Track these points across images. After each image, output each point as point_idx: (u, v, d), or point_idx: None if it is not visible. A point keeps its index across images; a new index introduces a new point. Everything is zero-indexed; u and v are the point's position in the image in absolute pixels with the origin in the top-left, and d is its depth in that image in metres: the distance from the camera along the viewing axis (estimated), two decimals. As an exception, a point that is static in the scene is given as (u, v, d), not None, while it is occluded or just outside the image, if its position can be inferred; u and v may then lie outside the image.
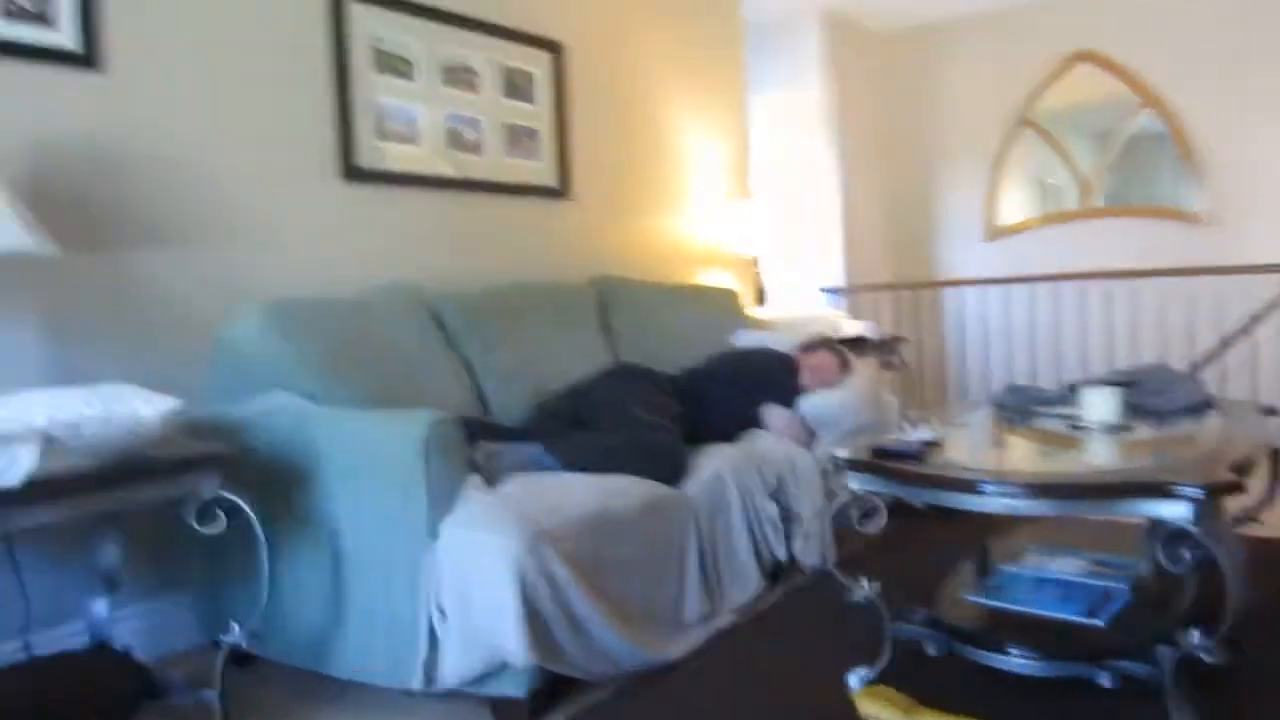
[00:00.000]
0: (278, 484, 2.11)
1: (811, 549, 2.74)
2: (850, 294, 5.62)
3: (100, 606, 2.04)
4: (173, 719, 1.97)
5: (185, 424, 2.15)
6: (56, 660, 2.01)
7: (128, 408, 1.67)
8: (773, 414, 2.96)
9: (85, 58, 2.30)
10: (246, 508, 1.83)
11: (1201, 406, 2.46)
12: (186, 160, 2.53)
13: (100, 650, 2.01)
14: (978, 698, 1.90)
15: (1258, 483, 2.29)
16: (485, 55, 3.32)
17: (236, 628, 1.88)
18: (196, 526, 1.81)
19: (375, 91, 2.97)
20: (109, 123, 2.37)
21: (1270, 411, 2.47)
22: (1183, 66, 5.19)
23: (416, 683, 1.92)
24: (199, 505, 1.81)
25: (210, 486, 1.82)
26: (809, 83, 5.60)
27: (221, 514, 1.83)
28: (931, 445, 2.04)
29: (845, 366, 3.17)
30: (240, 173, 2.65)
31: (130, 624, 2.34)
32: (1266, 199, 5.02)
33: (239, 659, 2.17)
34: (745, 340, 3.55)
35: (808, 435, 2.99)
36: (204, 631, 2.37)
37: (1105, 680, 1.79)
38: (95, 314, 2.35)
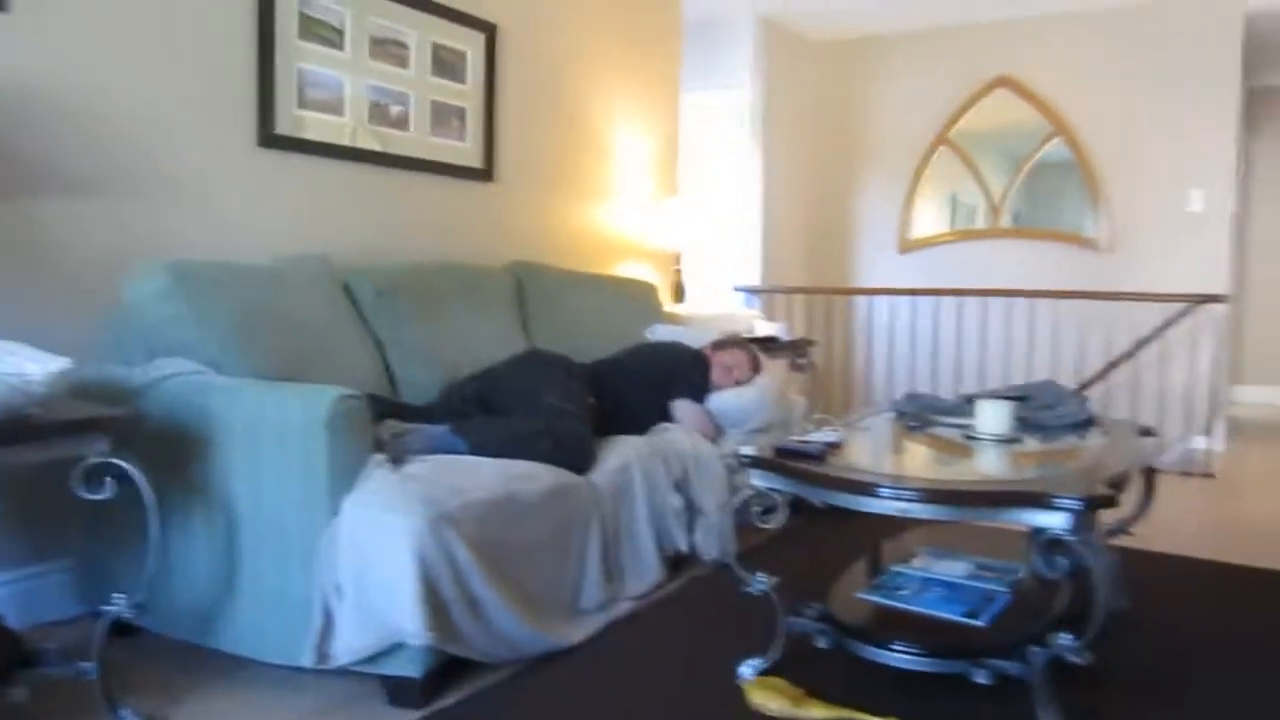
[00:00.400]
0: (172, 452, 2.04)
1: (712, 541, 2.79)
2: (764, 295, 5.72)
3: (-29, 571, 1.94)
4: (48, 691, 1.90)
5: (75, 385, 2.06)
6: (-81, 625, 1.91)
7: (12, 364, 1.60)
8: (682, 408, 3.00)
9: (-13, -6, 2.18)
10: (137, 475, 1.77)
11: (1086, 424, 2.60)
12: (94, 110, 2.42)
13: (-32, 617, 1.92)
14: (864, 691, 1.97)
15: (1132, 497, 2.43)
16: (417, 30, 3.26)
17: (121, 598, 1.82)
18: (82, 492, 1.74)
19: (300, 57, 2.89)
20: (11, 64, 2.25)
21: (1147, 432, 2.62)
22: (1092, 98, 5.44)
23: (308, 660, 1.89)
24: (86, 470, 1.74)
25: (99, 451, 1.75)
26: (738, 84, 5.67)
27: (110, 480, 1.76)
28: (833, 447, 2.11)
29: (756, 366, 3.23)
30: (152, 128, 2.54)
31: (2, 590, 2.24)
32: (1159, 232, 5.31)
33: (120, 630, 2.09)
34: (660, 334, 3.59)
35: (715, 430, 3.05)
36: (84, 601, 2.28)
37: (981, 677, 1.88)
38: (-17, 264, 2.23)
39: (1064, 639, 1.77)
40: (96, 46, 2.41)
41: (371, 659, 1.90)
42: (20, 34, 2.26)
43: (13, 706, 1.78)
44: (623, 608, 2.43)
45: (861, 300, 5.91)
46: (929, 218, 6.05)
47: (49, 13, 2.31)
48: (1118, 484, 1.90)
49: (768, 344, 4.02)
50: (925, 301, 5.48)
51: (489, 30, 3.53)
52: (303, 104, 2.90)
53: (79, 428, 1.70)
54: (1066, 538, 1.72)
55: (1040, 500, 1.74)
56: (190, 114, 2.63)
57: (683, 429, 2.92)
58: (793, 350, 4.39)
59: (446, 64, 3.39)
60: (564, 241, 4.02)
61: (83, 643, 2.04)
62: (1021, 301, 5.15)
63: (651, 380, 3.02)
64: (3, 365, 1.58)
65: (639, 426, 2.88)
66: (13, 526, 2.28)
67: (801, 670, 2.03)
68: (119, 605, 1.81)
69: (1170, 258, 5.26)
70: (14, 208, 2.28)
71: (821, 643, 2.05)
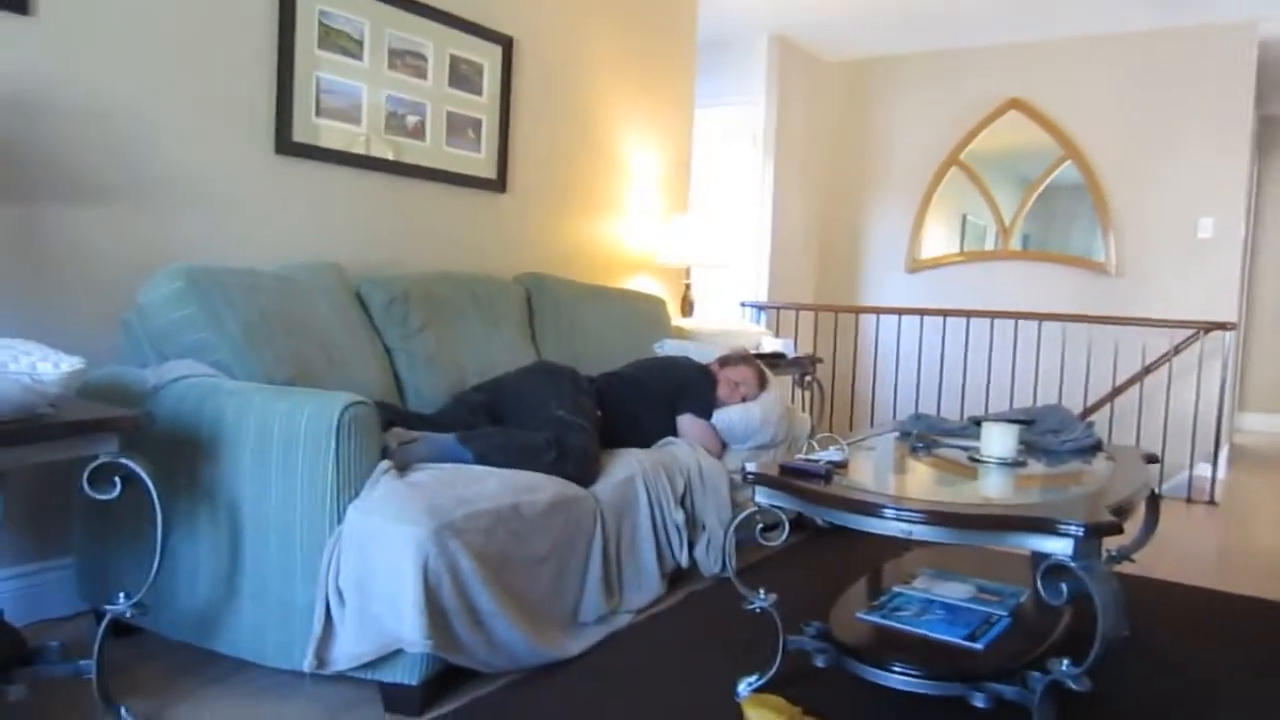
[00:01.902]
0: (180, 454, 2.05)
1: (713, 557, 2.79)
2: (771, 311, 5.73)
3: (-25, 566, 1.95)
4: (47, 688, 1.91)
5: (86, 385, 2.08)
6: (-78, 618, 1.92)
7: (26, 363, 1.61)
8: (688, 423, 3.01)
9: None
10: (145, 476, 1.78)
11: (1091, 449, 2.60)
12: (114, 115, 2.44)
13: (-29, 611, 1.93)
14: (861, 711, 1.97)
15: (1135, 524, 2.43)
16: (436, 42, 3.29)
17: (123, 598, 1.83)
18: (90, 492, 1.75)
19: (318, 66, 2.91)
20: (35, 69, 2.28)
21: (1152, 459, 2.62)
22: (1103, 123, 5.45)
23: (307, 665, 1.89)
24: (94, 470, 1.75)
25: (108, 451, 1.76)
26: (751, 101, 5.70)
27: (117, 480, 1.77)
28: (838, 466, 2.11)
29: (762, 382, 3.24)
30: (170, 133, 2.57)
31: (1, 586, 2.25)
32: (1168, 258, 5.32)
33: (120, 630, 2.11)
34: (667, 349, 3.60)
35: (720, 446, 3.05)
36: (85, 599, 2.30)
37: (979, 701, 1.87)
38: (3, 266, 2.25)
39: (1064, 665, 1.77)
40: (118, 52, 2.44)
41: (370, 665, 1.91)
42: (43, 38, 2.29)
43: (11, 703, 1.79)
44: (622, 621, 2.43)
45: (869, 319, 5.92)
46: (938, 238, 6.06)
47: (71, 18, 2.34)
48: (1122, 511, 1.89)
49: (774, 360, 4.03)
50: (932, 321, 5.48)
51: (506, 43, 3.56)
52: (320, 112, 2.93)
53: (90, 428, 1.71)
54: (1069, 564, 1.72)
55: (1044, 525, 1.74)
56: (209, 120, 2.66)
57: (687, 443, 2.93)
58: (799, 367, 4.39)
59: (463, 76, 3.41)
60: (574, 254, 4.04)
61: (82, 641, 2.06)
62: (1029, 324, 5.15)
63: (658, 394, 3.02)
64: (16, 364, 1.59)
65: (644, 440, 2.89)
66: (17, 523, 2.30)
67: (799, 689, 2.02)
68: (120, 605, 1.82)
69: (1179, 283, 5.26)
70: (33, 210, 2.30)
71: (820, 662, 2.05)
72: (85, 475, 1.74)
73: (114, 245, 2.46)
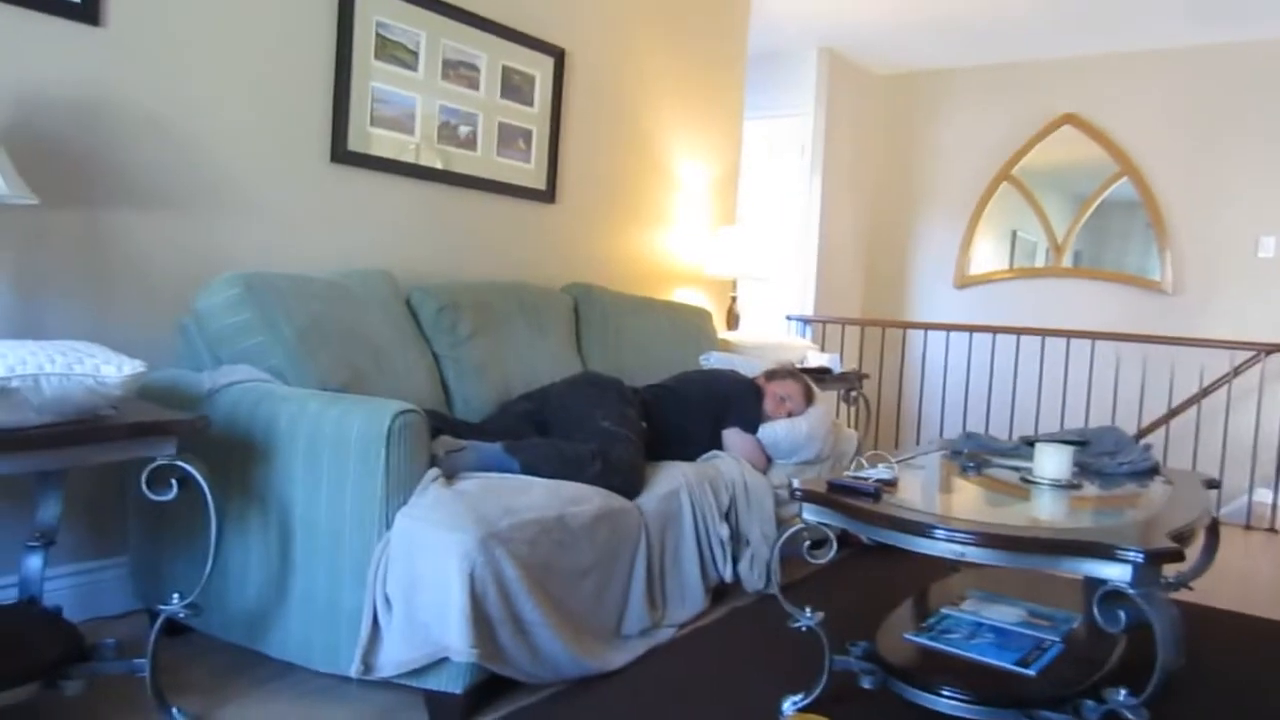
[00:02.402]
0: (233, 457, 2.09)
1: (756, 572, 2.76)
2: (817, 325, 5.68)
3: (34, 562, 1.99)
4: (101, 686, 1.94)
5: (144, 388, 2.12)
6: (-17, 612, 1.97)
7: (90, 366, 1.65)
8: (733, 437, 2.99)
9: (85, 10, 2.27)
10: (200, 479, 1.81)
11: (1148, 472, 2.54)
12: (176, 124, 2.50)
13: (30, 606, 1.97)
14: (907, 736, 1.93)
15: (1193, 551, 2.36)
16: (489, 53, 3.32)
17: (176, 598, 1.86)
18: (147, 493, 1.78)
19: (374, 77, 2.96)
20: (101, 78, 2.34)
21: (1212, 484, 2.55)
22: (1160, 140, 5.35)
23: (353, 670, 1.91)
24: (152, 471, 1.79)
25: (166, 453, 1.79)
26: (800, 113, 5.68)
27: (174, 482, 1.80)
28: (887, 484, 2.08)
29: (809, 397, 3.21)
30: (229, 142, 2.62)
31: (60, 583, 2.30)
32: (1226, 277, 5.19)
33: (170, 629, 2.14)
34: (713, 362, 3.58)
35: (765, 461, 3.03)
36: (139, 598, 2.34)
37: (1031, 729, 1.83)
38: (69, 269, 2.31)
39: (1121, 695, 1.72)
40: (181, 62, 2.50)
41: (415, 673, 1.91)
42: (111, 49, 2.35)
43: (69, 699, 1.83)
44: (665, 635, 2.42)
45: (916, 334, 5.85)
46: (988, 254, 5.97)
47: (139, 30, 2.40)
48: (1183, 537, 1.84)
49: (820, 375, 3.99)
50: (982, 338, 5.40)
51: (558, 55, 3.58)
52: (374, 122, 2.97)
53: (150, 430, 1.75)
54: (1128, 590, 1.67)
55: (1102, 550, 1.70)
56: (267, 129, 2.71)
57: (732, 457, 2.91)
58: (845, 383, 4.35)
59: (515, 86, 3.44)
60: (622, 265, 4.05)
61: (135, 639, 2.09)
62: (1081, 342, 5.05)
63: (704, 407, 3.01)
64: (81, 366, 1.63)
65: (689, 453, 2.88)
66: (76, 522, 2.35)
67: (845, 710, 2.00)
68: (174, 605, 1.85)
69: (1239, 303, 5.12)
70: (97, 215, 2.36)
71: (867, 683, 2.02)
72: (144, 477, 1.78)
73: (173, 250, 2.51)
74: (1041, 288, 5.76)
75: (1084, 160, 5.57)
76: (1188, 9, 4.71)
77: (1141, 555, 1.66)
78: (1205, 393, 4.81)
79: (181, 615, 1.86)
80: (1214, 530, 2.52)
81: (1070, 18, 4.97)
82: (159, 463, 1.78)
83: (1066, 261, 5.69)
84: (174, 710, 1.85)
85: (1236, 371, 4.67)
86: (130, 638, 2.16)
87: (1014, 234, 5.90)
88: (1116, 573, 1.69)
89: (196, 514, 1.94)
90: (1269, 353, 4.52)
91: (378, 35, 2.95)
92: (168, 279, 2.50)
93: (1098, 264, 5.61)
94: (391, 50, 3.00)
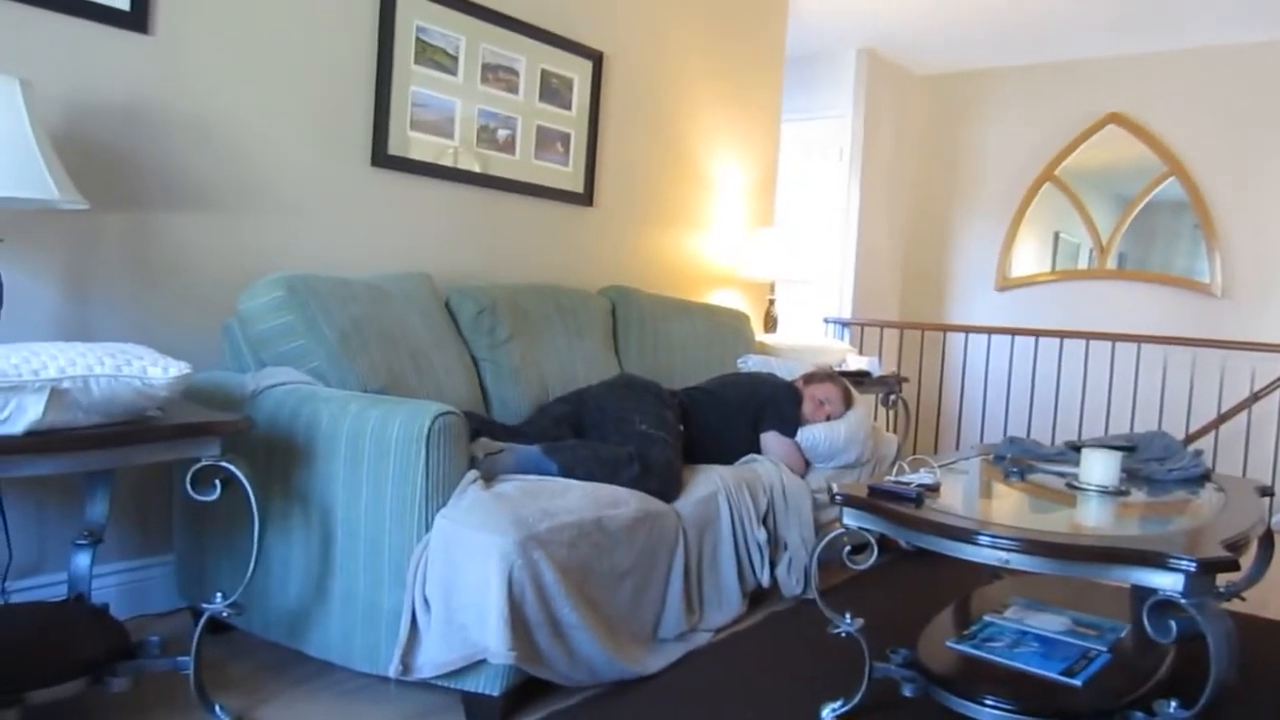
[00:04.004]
0: (276, 458, 2.11)
1: (794, 577, 2.74)
2: (855, 328, 5.63)
3: (82, 560, 2.03)
4: (146, 682, 1.97)
5: (189, 389, 2.16)
6: (33, 609, 2.01)
7: (137, 368, 1.67)
8: (772, 440, 2.97)
9: (134, 18, 2.31)
10: (243, 479, 1.83)
11: (1200, 479, 2.47)
12: (221, 129, 2.54)
13: (78, 603, 2.01)
14: (950, 745, 1.90)
15: (1246, 561, 2.30)
16: (528, 57, 3.34)
17: (219, 597, 1.88)
18: (191, 493, 1.81)
19: (414, 81, 2.98)
20: (149, 85, 2.38)
21: (1266, 491, 2.48)
22: (1209, 139, 5.23)
23: (393, 670, 1.92)
24: (196, 472, 1.81)
25: (210, 454, 1.82)
26: (838, 115, 5.63)
27: (218, 482, 1.83)
28: (929, 489, 2.05)
29: (848, 400, 3.18)
30: (272, 146, 2.66)
31: (107, 580, 2.34)
32: (1278, 279, 5.05)
33: (213, 627, 2.16)
34: (751, 364, 3.56)
35: (804, 464, 3.00)
36: (183, 596, 2.37)
37: (1078, 741, 1.79)
38: (117, 271, 2.36)
39: (1172, 707, 1.68)
40: (226, 68, 2.53)
41: (453, 674, 1.92)
42: (160, 57, 2.39)
43: (114, 695, 1.86)
44: (702, 639, 2.41)
45: (956, 337, 5.77)
46: (1030, 256, 5.88)
47: (186, 38, 2.44)
48: (1237, 546, 1.79)
49: (859, 378, 3.95)
50: (1023, 342, 5.31)
51: (596, 58, 3.59)
52: (414, 126, 2.99)
53: (195, 431, 1.77)
54: (1180, 600, 1.63)
55: (1153, 559, 1.66)
56: (309, 133, 2.74)
57: (771, 461, 2.89)
58: (884, 386, 4.30)
59: (554, 90, 3.45)
60: (659, 267, 4.04)
61: (178, 636, 2.12)
62: (1126, 346, 4.95)
63: (742, 410, 2.99)
64: (129, 368, 1.65)
65: (727, 456, 2.86)
66: (122, 520, 2.39)
67: (885, 718, 1.97)
68: (217, 604, 1.87)
69: (1291, 307, 4.99)
70: (145, 219, 2.40)
71: (908, 691, 1.99)
72: (188, 477, 1.80)
73: (216, 253, 2.55)
74: (1085, 290, 5.66)
75: (1130, 160, 5.47)
76: (1234, 7, 4.60)
77: (1194, 564, 1.61)
78: (1256, 397, 4.69)
79: (224, 614, 1.88)
80: (1268, 540, 2.45)
81: (1113, 17, 4.88)
82: (203, 463, 1.81)
83: (1111, 263, 5.58)
84: (216, 707, 1.87)
85: (1289, 376, 4.55)
86: (174, 635, 2.20)
87: (1057, 235, 5.80)
88: (1168, 582, 1.64)
89: (239, 514, 1.96)
90: (1323, 357, 4.39)
91: (418, 40, 2.97)
92: (212, 282, 2.53)
93: (1144, 266, 5.50)
94: (431, 54, 3.02)
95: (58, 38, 2.21)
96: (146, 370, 1.68)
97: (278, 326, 2.32)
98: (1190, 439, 4.80)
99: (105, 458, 1.70)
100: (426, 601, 1.92)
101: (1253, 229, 5.12)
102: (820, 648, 2.33)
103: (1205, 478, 2.50)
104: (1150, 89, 5.39)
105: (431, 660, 1.91)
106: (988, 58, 5.76)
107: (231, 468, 1.82)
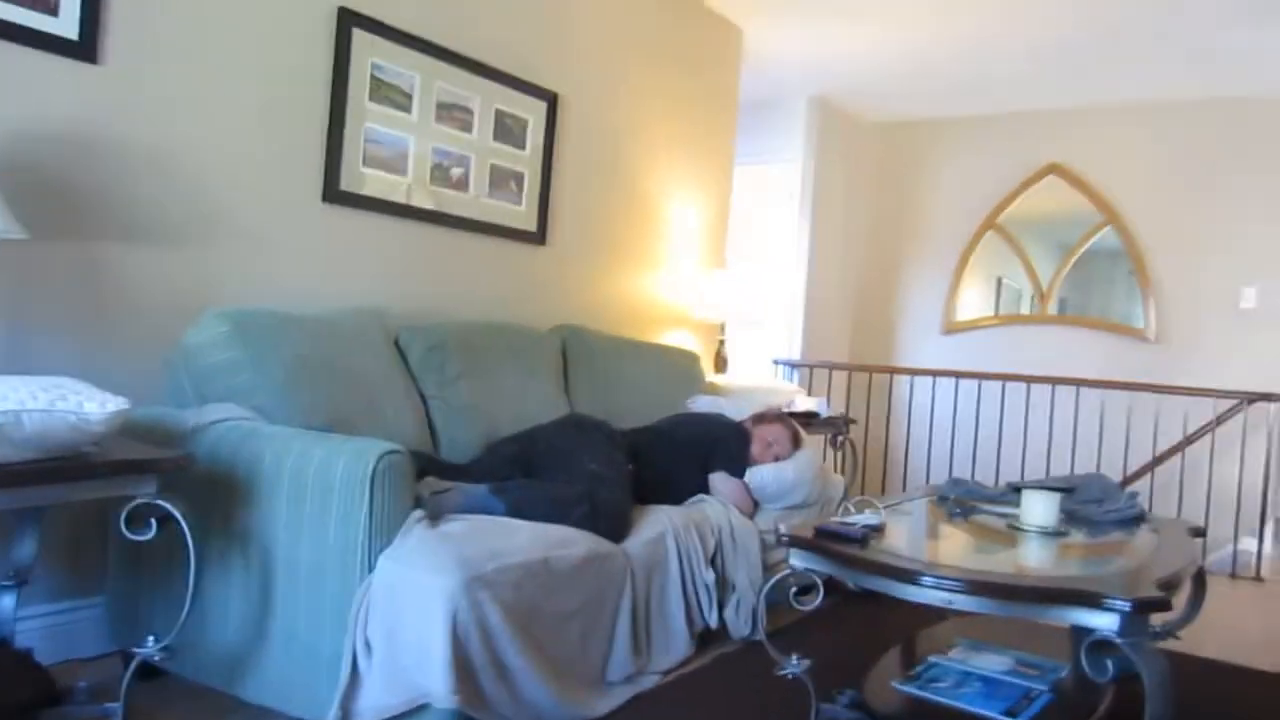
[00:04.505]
0: (215, 496, 2.06)
1: (743, 618, 2.74)
2: (804, 369, 5.70)
3: (7, 602, 1.96)
4: (71, 729, 1.89)
5: (127, 425, 2.10)
6: (-47, 654, 1.93)
7: (73, 403, 1.63)
8: (720, 481, 2.98)
9: (82, 48, 2.29)
10: (180, 518, 1.78)
11: (1135, 520, 2.53)
12: (171, 160, 2.51)
13: (0, 648, 1.93)
14: (894, 788, 1.90)
15: (1180, 600, 2.35)
16: (482, 97, 3.36)
17: (152, 640, 1.82)
18: (126, 532, 1.76)
19: (368, 118, 2.98)
20: (98, 115, 2.35)
21: (1199, 532, 2.55)
22: (1144, 190, 5.43)
23: (333, 716, 1.87)
24: (131, 510, 1.76)
25: (146, 492, 1.77)
26: (789, 160, 5.74)
27: (153, 521, 1.78)
28: (874, 530, 2.07)
29: (796, 441, 3.21)
30: (222, 179, 2.63)
31: (32, 624, 2.25)
32: (1209, 326, 5.24)
33: (147, 672, 2.09)
34: (701, 405, 3.58)
35: (752, 505, 3.01)
36: (114, 640, 2.29)
37: (1020, 782, 1.81)
38: (57, 303, 2.30)
39: (1110, 747, 1.70)
40: (177, 100, 2.51)
41: (395, 719, 1.88)
42: (109, 87, 2.36)
43: (38, 744, 1.78)
44: (649, 682, 2.39)
45: (904, 380, 5.87)
46: (974, 301, 6.02)
47: (136, 68, 2.42)
48: (1170, 586, 1.83)
49: (807, 419, 3.99)
50: (968, 384, 5.42)
51: (551, 99, 3.62)
52: (367, 162, 2.99)
53: (132, 468, 1.73)
54: (1115, 640, 1.66)
55: (1089, 599, 1.69)
56: (260, 167, 2.72)
57: (719, 501, 2.90)
58: (832, 427, 4.35)
59: (508, 129, 3.48)
60: (611, 307, 4.06)
61: (109, 682, 2.05)
62: (1066, 389, 5.08)
63: (690, 451, 3.00)
64: (65, 403, 1.61)
65: (675, 496, 2.86)
66: (50, 561, 2.30)
67: (832, 761, 1.97)
68: (149, 648, 1.81)
69: (1222, 353, 5.17)
70: (89, 249, 2.35)
71: (854, 733, 1.99)
72: (123, 516, 1.75)
73: (162, 286, 2.51)
74: (1027, 335, 5.81)
75: (1068, 209, 5.65)
76: (1171, 65, 4.81)
77: (1129, 604, 1.65)
78: (1189, 440, 4.84)
79: (156, 658, 1.83)
80: (1200, 579, 2.52)
81: (1054, 71, 5.07)
82: (138, 501, 1.76)
83: (1052, 309, 5.74)
84: (146, 756, 1.81)
85: (1219, 420, 4.70)
86: (104, 681, 2.11)
87: (999, 281, 5.96)
88: (1104, 622, 1.68)
89: (176, 554, 1.90)
90: (1251, 401, 4.55)
91: (373, 77, 2.97)
92: (158, 315, 2.48)
93: (1083, 311, 5.66)
94: (386, 92, 3.03)
95: (2, 66, 2.17)
96: (82, 405, 1.64)
97: (222, 362, 2.28)
98: (1127, 481, 4.92)
99: (36, 494, 1.66)
100: (368, 644, 1.88)
101: (1184, 278, 5.32)
102: (768, 689, 2.32)
103: (1140, 519, 2.56)
104: (1087, 141, 5.60)
105: (373, 705, 1.87)
106: (934, 108, 5.94)
107: (168, 506, 1.78)
